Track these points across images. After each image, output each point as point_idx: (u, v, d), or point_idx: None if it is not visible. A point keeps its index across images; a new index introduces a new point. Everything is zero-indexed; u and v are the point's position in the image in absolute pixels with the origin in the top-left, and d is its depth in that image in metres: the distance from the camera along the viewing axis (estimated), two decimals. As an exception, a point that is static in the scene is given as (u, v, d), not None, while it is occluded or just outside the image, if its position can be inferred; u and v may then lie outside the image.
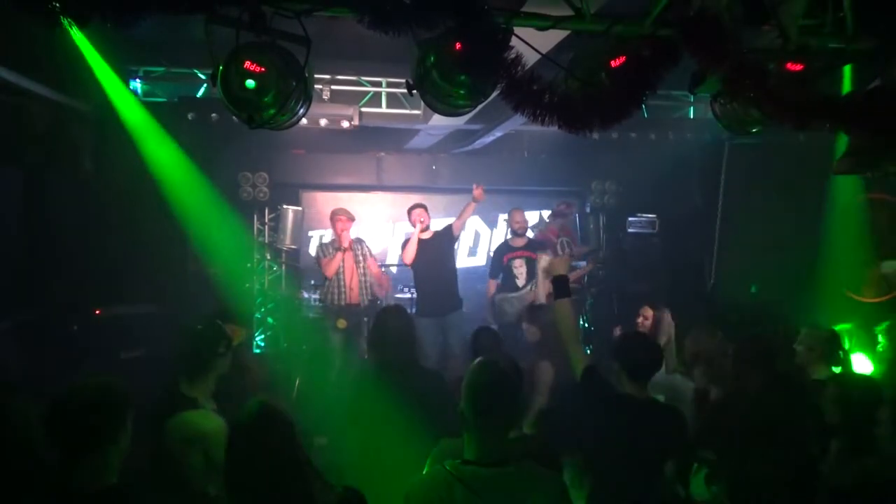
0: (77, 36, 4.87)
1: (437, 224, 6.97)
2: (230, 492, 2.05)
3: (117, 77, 5.63)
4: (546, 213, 8.97)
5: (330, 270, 6.21)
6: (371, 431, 3.13)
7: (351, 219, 6.32)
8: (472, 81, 2.97)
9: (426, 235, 6.49)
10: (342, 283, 6.22)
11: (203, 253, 6.99)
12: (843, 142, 3.77)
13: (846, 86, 3.71)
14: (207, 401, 2.94)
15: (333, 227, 6.30)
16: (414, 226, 6.45)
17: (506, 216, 8.94)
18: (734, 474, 2.70)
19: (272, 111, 2.97)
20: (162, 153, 6.13)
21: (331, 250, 6.28)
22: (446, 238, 6.62)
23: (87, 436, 2.02)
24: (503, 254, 6.74)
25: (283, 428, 2.08)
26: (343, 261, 6.22)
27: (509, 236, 6.95)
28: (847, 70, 3.67)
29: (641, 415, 2.95)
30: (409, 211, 6.50)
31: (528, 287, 6.45)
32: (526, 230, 6.90)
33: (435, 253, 6.46)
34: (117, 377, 2.18)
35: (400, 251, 6.73)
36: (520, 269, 6.60)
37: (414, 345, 3.30)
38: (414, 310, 6.88)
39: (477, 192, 6.54)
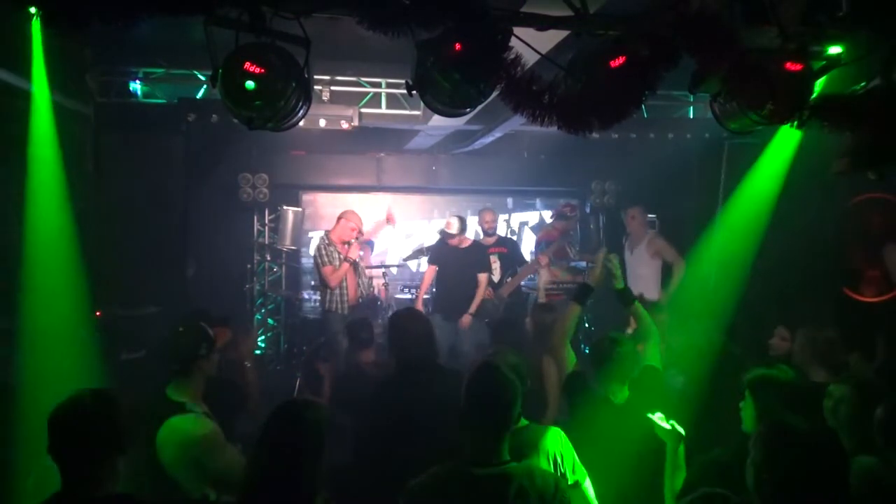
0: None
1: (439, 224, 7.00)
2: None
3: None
4: (546, 214, 9.00)
5: (335, 281, 5.98)
6: (394, 429, 3.12)
7: (362, 231, 6.15)
8: (471, 82, 2.96)
9: (464, 244, 6.54)
10: (345, 291, 6.09)
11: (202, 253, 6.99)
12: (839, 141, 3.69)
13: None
14: (196, 404, 2.87)
15: (344, 230, 6.04)
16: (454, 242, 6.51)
17: (505, 217, 8.99)
18: None
19: (272, 112, 2.97)
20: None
21: (336, 257, 5.98)
22: (480, 252, 6.61)
23: (85, 448, 2.04)
24: None
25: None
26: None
27: (480, 236, 7.00)
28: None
29: (612, 419, 2.90)
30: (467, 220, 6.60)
31: (505, 282, 6.55)
32: (495, 229, 6.99)
33: (463, 262, 6.47)
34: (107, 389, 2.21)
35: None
36: (494, 264, 6.69)
37: (434, 345, 3.43)
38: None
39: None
